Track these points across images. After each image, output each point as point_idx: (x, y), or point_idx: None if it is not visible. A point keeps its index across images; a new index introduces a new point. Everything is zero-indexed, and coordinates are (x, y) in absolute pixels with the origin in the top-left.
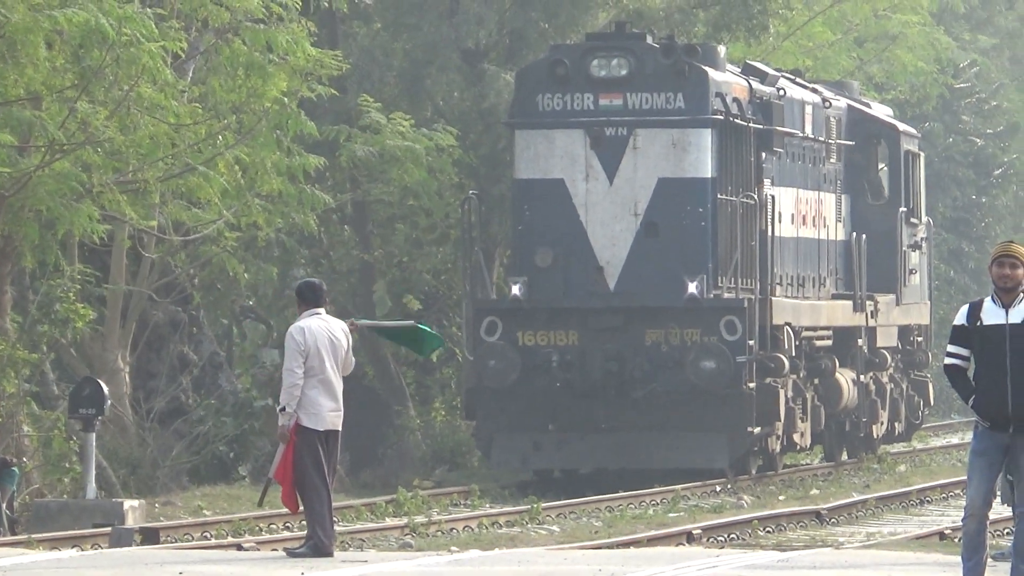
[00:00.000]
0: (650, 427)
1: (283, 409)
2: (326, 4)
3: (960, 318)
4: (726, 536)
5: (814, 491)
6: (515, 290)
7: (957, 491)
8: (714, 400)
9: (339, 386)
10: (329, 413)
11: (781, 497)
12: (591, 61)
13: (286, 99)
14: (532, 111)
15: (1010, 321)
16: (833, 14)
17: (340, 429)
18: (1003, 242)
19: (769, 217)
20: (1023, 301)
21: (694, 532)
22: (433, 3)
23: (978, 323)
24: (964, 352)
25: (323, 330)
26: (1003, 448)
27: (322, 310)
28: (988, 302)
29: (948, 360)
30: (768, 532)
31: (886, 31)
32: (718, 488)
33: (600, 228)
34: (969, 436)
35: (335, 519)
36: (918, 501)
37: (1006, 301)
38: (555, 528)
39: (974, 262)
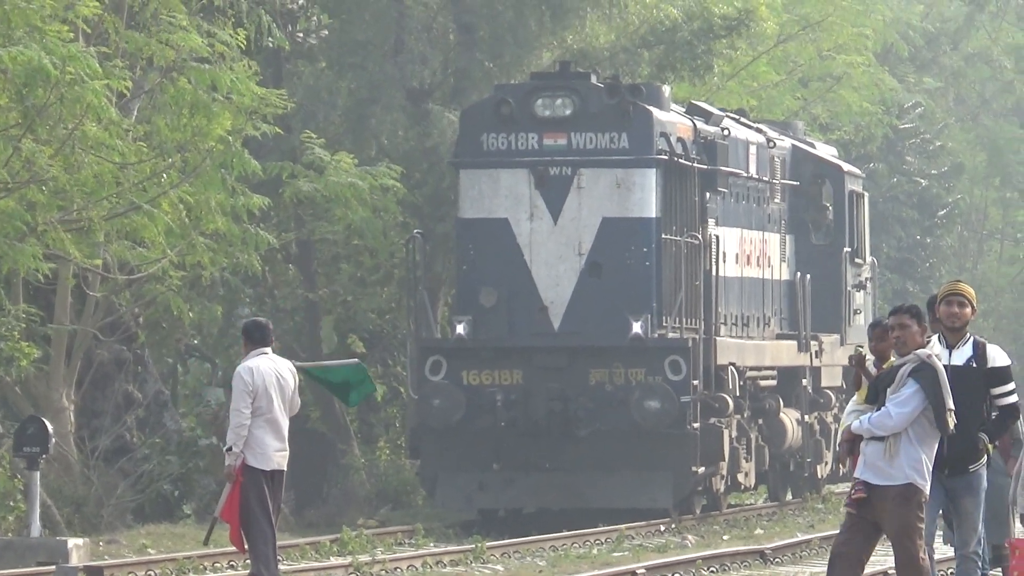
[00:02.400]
0: (594, 466)
1: (230, 449)
2: (271, 43)
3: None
4: (671, 575)
5: (758, 531)
6: (459, 329)
7: None
8: (658, 440)
9: (285, 426)
10: (275, 453)
11: (725, 537)
12: (535, 101)
13: (231, 138)
14: (476, 150)
15: (952, 363)
16: (777, 54)
17: (285, 469)
18: (950, 281)
19: (713, 257)
20: (968, 343)
21: (638, 572)
22: (378, 42)
23: None
24: None
25: (271, 370)
26: (943, 489)
27: (269, 349)
28: (934, 342)
29: None
30: (712, 571)
31: (831, 72)
32: (662, 528)
33: (544, 268)
34: None
35: (279, 558)
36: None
37: (952, 341)
38: (499, 567)
39: (919, 302)
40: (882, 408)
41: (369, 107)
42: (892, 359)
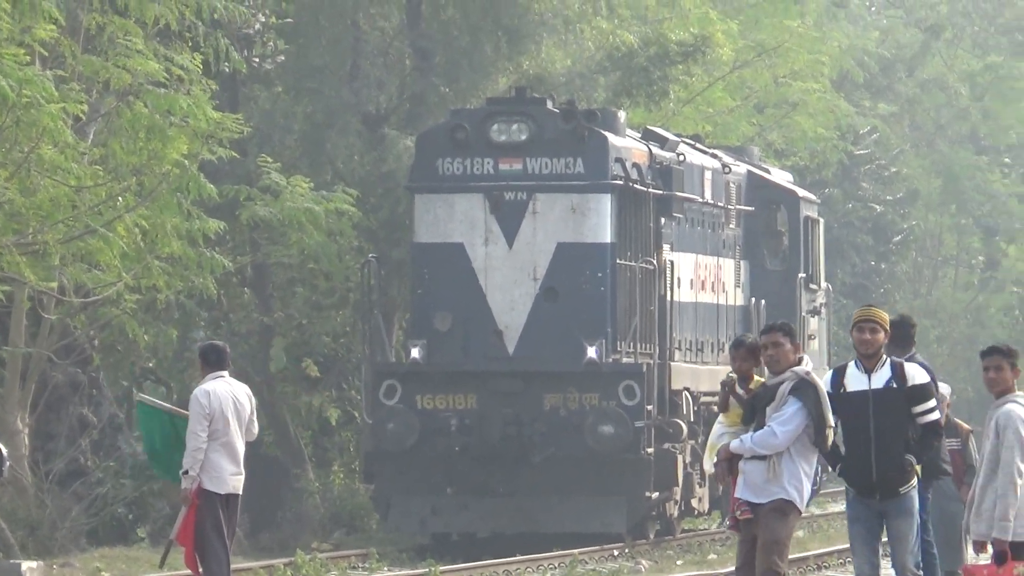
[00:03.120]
0: (548, 491)
1: (186, 472)
2: (227, 67)
3: (824, 385)
4: None
5: (712, 556)
6: (414, 353)
7: None
8: (612, 465)
9: (241, 449)
10: (231, 476)
11: (679, 562)
12: (491, 126)
13: (187, 162)
14: (432, 175)
15: (872, 387)
16: (733, 80)
17: (241, 492)
18: (863, 306)
19: (668, 282)
20: (885, 365)
21: None
22: (334, 67)
23: (842, 389)
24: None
25: (228, 393)
26: (877, 513)
27: (226, 373)
28: (851, 367)
29: None
30: None
31: (786, 98)
32: (616, 552)
33: (499, 292)
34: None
35: None
36: (816, 567)
37: (868, 366)
38: None
39: None
40: (764, 427)
41: (325, 132)
42: (756, 378)
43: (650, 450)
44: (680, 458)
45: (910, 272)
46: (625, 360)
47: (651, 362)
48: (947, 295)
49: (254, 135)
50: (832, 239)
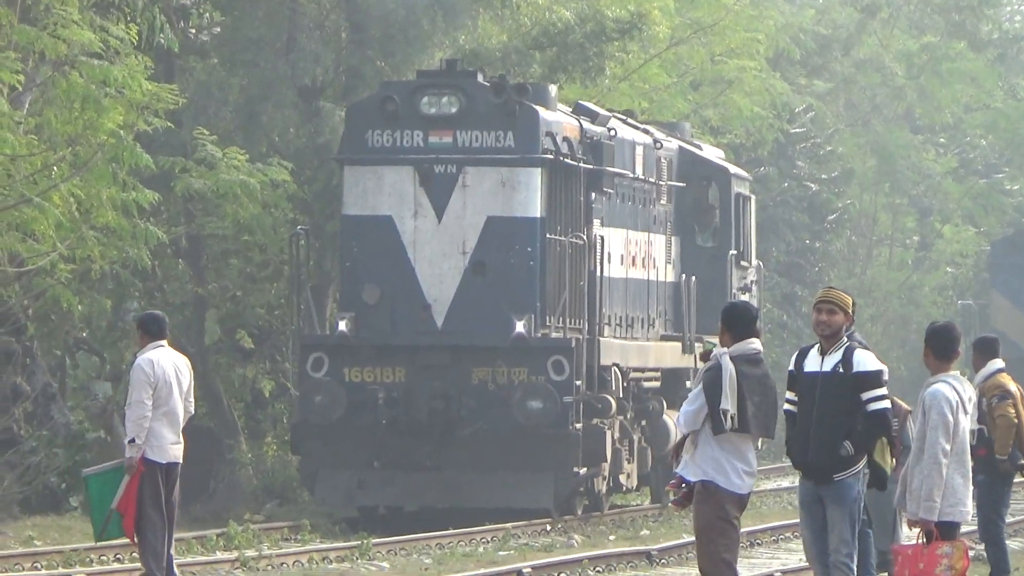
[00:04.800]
0: (475, 466)
1: (132, 441)
2: (162, 41)
3: (791, 363)
4: (556, 575)
5: (644, 531)
6: (341, 326)
7: (787, 534)
8: (540, 440)
9: (181, 418)
10: (171, 446)
11: (611, 537)
12: (421, 98)
13: (122, 132)
14: (361, 147)
15: (823, 369)
16: (669, 57)
17: (181, 461)
18: (825, 287)
19: (598, 258)
20: (841, 349)
21: (524, 571)
22: (270, 40)
23: (800, 369)
24: (793, 398)
25: (169, 362)
26: (817, 497)
27: (165, 342)
28: (814, 348)
29: (784, 406)
30: (598, 572)
31: (722, 76)
32: (548, 527)
33: (428, 266)
34: (798, 480)
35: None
36: (748, 543)
37: (825, 347)
38: (385, 565)
39: (807, 306)
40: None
41: (260, 104)
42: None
43: (578, 425)
44: (609, 434)
45: (845, 251)
46: (554, 335)
47: (580, 337)
48: (881, 274)
49: (189, 107)
50: (767, 217)
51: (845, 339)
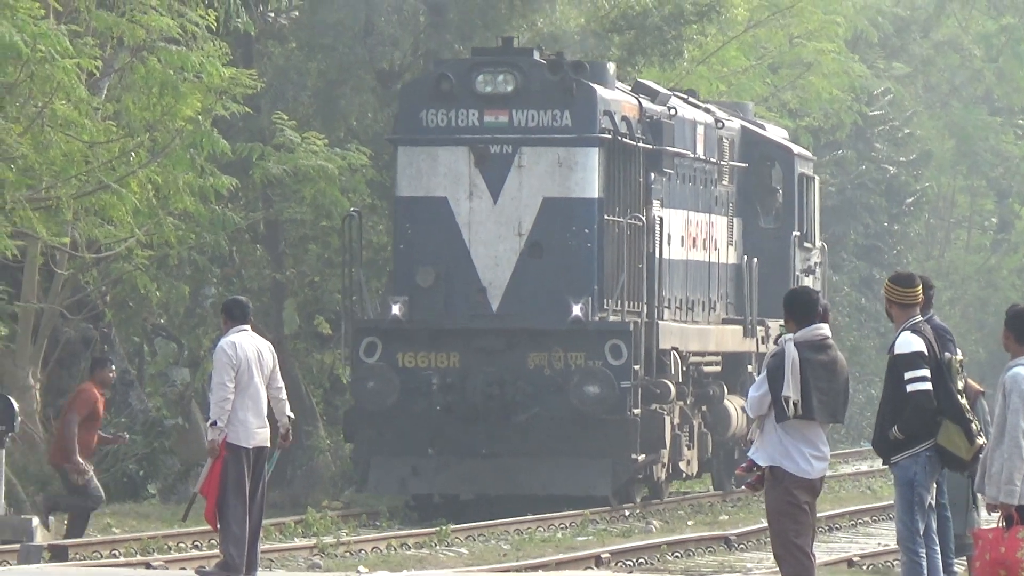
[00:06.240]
0: (531, 453)
1: (213, 423)
2: (239, 25)
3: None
4: (634, 560)
5: (723, 517)
6: (395, 310)
7: (865, 518)
8: (597, 426)
9: (265, 403)
10: (257, 430)
11: (690, 523)
12: (476, 77)
13: (200, 118)
14: (415, 127)
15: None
16: (748, 40)
17: (268, 446)
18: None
19: (657, 239)
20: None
21: (602, 556)
22: (348, 24)
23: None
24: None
25: (252, 346)
26: None
27: (248, 327)
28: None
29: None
30: (676, 557)
31: (800, 58)
32: (627, 513)
33: (483, 248)
34: (879, 464)
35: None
36: (826, 528)
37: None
38: (463, 551)
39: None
40: None
41: (339, 88)
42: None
43: (636, 411)
44: (668, 419)
45: (922, 234)
46: (612, 318)
47: (639, 321)
48: (959, 257)
49: (267, 91)
50: (845, 200)
51: (913, 319)
